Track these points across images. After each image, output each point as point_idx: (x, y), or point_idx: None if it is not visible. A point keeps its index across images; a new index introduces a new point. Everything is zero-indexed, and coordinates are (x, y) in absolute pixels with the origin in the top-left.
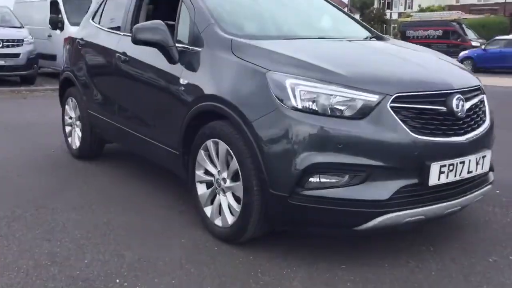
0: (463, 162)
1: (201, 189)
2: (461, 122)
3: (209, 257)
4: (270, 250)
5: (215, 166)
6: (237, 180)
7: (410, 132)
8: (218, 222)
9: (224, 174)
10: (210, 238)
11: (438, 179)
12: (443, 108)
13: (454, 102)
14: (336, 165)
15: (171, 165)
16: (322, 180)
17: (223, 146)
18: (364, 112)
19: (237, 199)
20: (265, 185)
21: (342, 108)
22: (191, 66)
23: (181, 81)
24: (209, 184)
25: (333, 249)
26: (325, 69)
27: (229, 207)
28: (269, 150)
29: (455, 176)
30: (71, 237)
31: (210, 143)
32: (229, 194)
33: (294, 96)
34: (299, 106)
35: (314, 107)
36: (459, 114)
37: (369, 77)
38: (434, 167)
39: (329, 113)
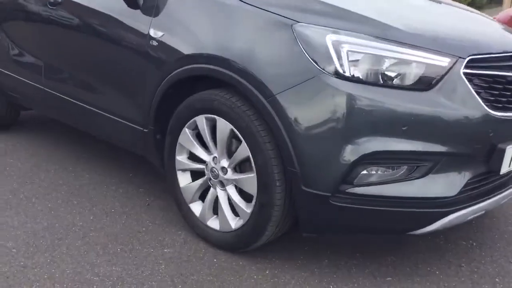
0: None
1: (184, 180)
2: None
3: (203, 271)
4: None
5: (208, 150)
6: (245, 170)
7: (485, 107)
8: (212, 224)
9: (224, 162)
10: (198, 243)
11: (509, 166)
12: None
13: None
14: (398, 154)
15: (134, 145)
16: (376, 174)
17: (224, 126)
18: (431, 80)
19: (245, 195)
20: (296, 180)
21: (404, 75)
22: (169, 12)
23: (152, 33)
24: (196, 173)
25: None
26: (380, 22)
27: (231, 205)
28: (305, 135)
29: None
30: None
31: (201, 120)
32: (231, 188)
33: (340, 59)
34: (348, 73)
35: (368, 74)
36: None
37: (435, 35)
38: (509, 151)
39: (389, 82)
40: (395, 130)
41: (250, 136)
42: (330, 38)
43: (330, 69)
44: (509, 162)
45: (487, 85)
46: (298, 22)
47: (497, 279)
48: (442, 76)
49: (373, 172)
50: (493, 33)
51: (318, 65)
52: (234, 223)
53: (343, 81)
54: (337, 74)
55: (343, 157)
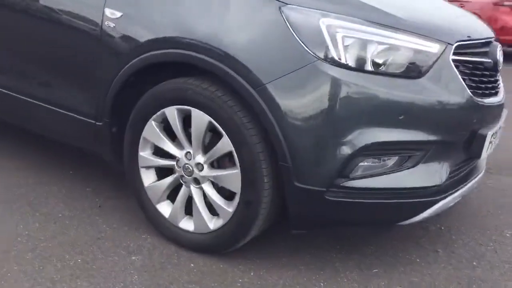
0: (498, 130)
1: (149, 178)
2: (498, 77)
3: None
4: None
5: (178, 145)
6: (224, 166)
7: (471, 94)
8: (185, 225)
9: (199, 158)
10: (169, 248)
11: (487, 151)
12: (490, 61)
13: (498, 52)
14: (395, 144)
15: (85, 141)
16: (371, 166)
17: (201, 118)
18: (423, 67)
19: (223, 193)
20: (288, 175)
21: (401, 63)
22: None
23: (108, 13)
24: (163, 171)
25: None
26: (373, 7)
27: (207, 204)
28: (298, 127)
29: (492, 148)
30: None
31: (172, 112)
32: (207, 186)
33: (335, 45)
34: (344, 60)
35: (364, 61)
36: (499, 67)
37: (426, 22)
38: (489, 137)
39: (385, 70)
40: (393, 120)
41: (234, 129)
42: (323, 22)
43: (325, 56)
44: (487, 147)
45: (469, 72)
46: (287, 4)
47: (474, 263)
48: (433, 63)
49: (368, 164)
50: (468, 21)
51: (312, 52)
52: (212, 223)
53: (339, 69)
54: (333, 61)
55: (340, 150)
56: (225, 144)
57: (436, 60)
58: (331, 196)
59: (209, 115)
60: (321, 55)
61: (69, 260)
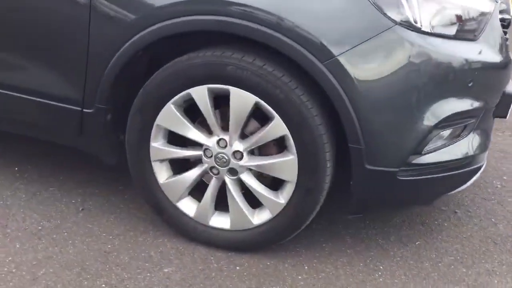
0: None
1: (164, 173)
2: None
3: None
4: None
5: (207, 130)
6: (267, 153)
7: (510, 53)
8: (218, 222)
9: (237, 145)
10: (199, 251)
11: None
12: (510, 17)
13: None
14: (464, 113)
15: (65, 133)
16: (439, 139)
17: (244, 98)
18: (481, 29)
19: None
20: (358, 158)
21: (471, 26)
22: None
23: None
24: (179, 163)
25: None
26: None
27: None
28: (375, 103)
29: None
30: None
31: (201, 92)
32: (247, 176)
33: (411, 7)
34: (420, 24)
35: (442, 25)
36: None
37: None
38: None
39: (460, 34)
40: (465, 87)
41: (290, 110)
42: None
43: (402, 20)
44: None
45: (504, 30)
46: None
47: (492, 220)
48: (486, 23)
49: (437, 137)
50: None
51: (387, 16)
52: (256, 217)
53: (419, 34)
54: (410, 26)
55: (420, 124)
56: (278, 128)
57: (489, 20)
58: (402, 175)
59: (255, 95)
60: (398, 19)
61: (92, 284)
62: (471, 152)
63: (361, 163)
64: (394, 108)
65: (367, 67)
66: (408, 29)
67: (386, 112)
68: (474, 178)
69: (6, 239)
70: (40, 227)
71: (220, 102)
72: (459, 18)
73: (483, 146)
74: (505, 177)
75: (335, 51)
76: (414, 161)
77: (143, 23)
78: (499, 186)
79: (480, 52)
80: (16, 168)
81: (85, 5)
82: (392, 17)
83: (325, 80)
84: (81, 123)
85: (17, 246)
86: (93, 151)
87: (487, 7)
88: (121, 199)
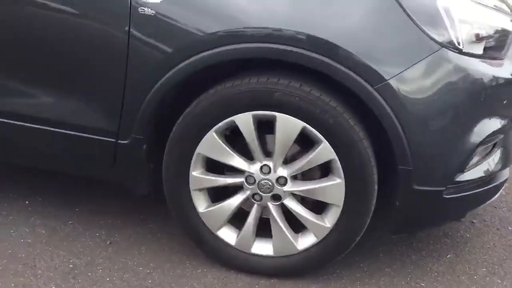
0: None
1: (203, 202)
2: None
3: None
4: None
5: (249, 157)
6: (311, 178)
7: None
8: (260, 249)
9: (281, 171)
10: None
11: None
12: None
13: None
14: (499, 130)
15: (93, 167)
16: (478, 156)
17: (291, 124)
18: (507, 49)
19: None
20: (407, 180)
21: (502, 46)
22: None
23: None
24: (217, 191)
25: None
26: None
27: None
28: (423, 124)
29: None
30: None
31: (246, 119)
32: (291, 201)
33: (453, 29)
34: (461, 45)
35: (483, 46)
36: None
37: None
38: None
39: (497, 54)
40: (501, 105)
41: (338, 134)
42: (441, 3)
43: (446, 42)
44: None
45: None
46: None
47: (509, 228)
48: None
49: (477, 154)
50: None
51: (434, 39)
52: (300, 242)
53: (461, 56)
54: (455, 48)
55: (466, 143)
56: (325, 153)
57: None
58: (448, 194)
59: (302, 120)
60: (443, 41)
61: None
62: (499, 167)
63: (409, 184)
64: (443, 128)
65: (416, 90)
66: (453, 50)
67: (435, 133)
68: (501, 191)
69: (39, 281)
70: (71, 265)
71: (262, 127)
72: (494, 38)
73: (508, 160)
74: (507, 184)
75: (386, 75)
76: (458, 179)
77: (185, 54)
78: (504, 193)
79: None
80: (27, 202)
81: (123, 36)
82: (438, 39)
83: (376, 104)
84: (115, 154)
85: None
86: (125, 182)
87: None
88: (147, 229)
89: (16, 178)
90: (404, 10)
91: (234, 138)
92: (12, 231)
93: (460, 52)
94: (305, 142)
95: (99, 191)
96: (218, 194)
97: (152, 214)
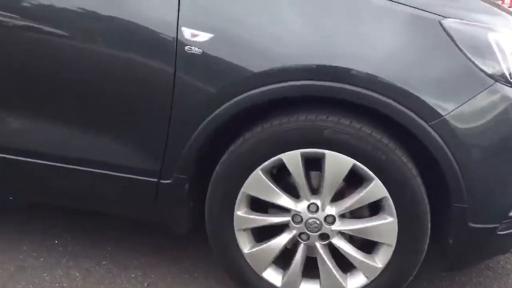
0: None
1: (247, 242)
2: None
3: None
4: None
5: (295, 195)
6: (360, 215)
7: None
8: None
9: (329, 209)
10: None
11: None
12: None
13: None
14: None
15: (133, 206)
16: None
17: (341, 162)
18: None
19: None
20: (461, 217)
21: None
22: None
23: (188, 34)
24: (260, 230)
25: None
26: None
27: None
28: (480, 160)
29: None
30: None
31: (294, 157)
32: (339, 241)
33: (506, 62)
34: None
35: None
36: None
37: None
38: None
39: None
40: None
41: (392, 172)
42: (493, 37)
43: (499, 76)
44: None
45: None
46: (446, 17)
47: None
48: None
49: None
50: None
51: (487, 73)
52: (349, 283)
53: None
54: (507, 81)
55: None
56: (377, 190)
57: None
58: (501, 229)
59: (353, 158)
60: (496, 75)
61: None
62: None
63: (464, 222)
64: (499, 164)
65: (471, 125)
66: (506, 84)
67: (491, 169)
68: None
69: None
70: None
71: (308, 164)
72: None
73: None
74: None
75: (441, 111)
76: (510, 214)
77: (232, 92)
78: None
79: None
80: (56, 241)
81: (169, 75)
82: (491, 73)
83: (432, 140)
84: (156, 194)
85: None
86: (165, 221)
87: None
88: (183, 269)
89: (43, 215)
90: (457, 45)
91: (279, 176)
92: (45, 274)
93: None
94: (351, 179)
95: (129, 228)
96: (261, 233)
97: (186, 251)
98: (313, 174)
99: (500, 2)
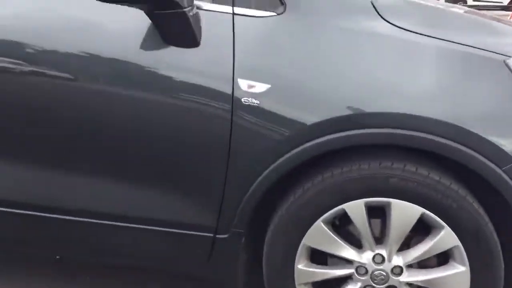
0: None
1: None
2: None
3: None
4: None
5: (357, 245)
6: (429, 265)
7: None
8: None
9: (396, 259)
10: None
11: None
12: None
13: None
14: None
15: (185, 262)
16: None
17: (408, 211)
18: None
19: None
20: None
21: None
22: (273, 49)
23: (245, 86)
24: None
25: None
26: None
27: None
28: None
29: None
30: None
31: (358, 207)
32: None
33: None
34: None
35: None
36: None
37: None
38: None
39: None
40: None
41: (464, 219)
42: None
43: None
44: None
45: None
46: (510, 56)
47: None
48: None
49: None
50: None
51: None
52: None
53: None
54: None
55: None
56: (448, 239)
57: None
58: None
59: (421, 206)
60: None
61: None
62: None
63: None
64: None
65: None
66: None
67: None
68: None
69: None
70: None
71: (370, 212)
72: None
73: None
74: None
75: None
76: None
77: (293, 143)
78: None
79: None
80: None
81: (225, 128)
82: None
83: (505, 186)
84: (212, 249)
85: None
86: (219, 276)
87: None
88: None
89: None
90: None
91: (339, 225)
92: None
93: None
94: (417, 225)
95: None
96: (322, 286)
97: None
98: (374, 222)
99: None
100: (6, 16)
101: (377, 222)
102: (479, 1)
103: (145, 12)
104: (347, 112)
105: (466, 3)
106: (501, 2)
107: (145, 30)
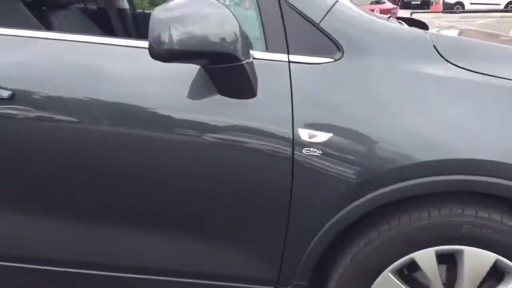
0: None
1: None
2: None
3: None
4: None
5: None
6: None
7: None
8: None
9: None
10: None
11: None
12: None
13: None
14: None
15: None
16: None
17: (482, 258)
18: None
19: None
20: None
21: None
22: (333, 98)
23: (305, 135)
24: None
25: None
26: None
27: None
28: None
29: None
30: None
31: (428, 256)
32: None
33: None
34: None
35: None
36: None
37: None
38: None
39: None
40: None
41: None
42: None
43: None
44: None
45: None
46: None
47: None
48: None
49: None
50: None
51: None
52: None
53: None
54: None
55: None
56: None
57: None
58: None
59: (495, 253)
60: None
61: None
62: None
63: None
64: None
65: None
66: None
67: None
68: None
69: None
70: None
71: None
72: None
73: None
74: None
75: None
76: None
77: (359, 193)
78: None
79: None
80: None
81: (286, 179)
82: None
83: None
84: None
85: None
86: None
87: None
88: None
89: None
90: None
91: (406, 273)
92: None
93: None
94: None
95: None
96: None
97: None
98: (442, 267)
99: None
100: None
101: (444, 268)
102: (476, 4)
103: (201, 65)
104: (419, 159)
105: (464, 7)
106: (499, 5)
107: (196, 80)
